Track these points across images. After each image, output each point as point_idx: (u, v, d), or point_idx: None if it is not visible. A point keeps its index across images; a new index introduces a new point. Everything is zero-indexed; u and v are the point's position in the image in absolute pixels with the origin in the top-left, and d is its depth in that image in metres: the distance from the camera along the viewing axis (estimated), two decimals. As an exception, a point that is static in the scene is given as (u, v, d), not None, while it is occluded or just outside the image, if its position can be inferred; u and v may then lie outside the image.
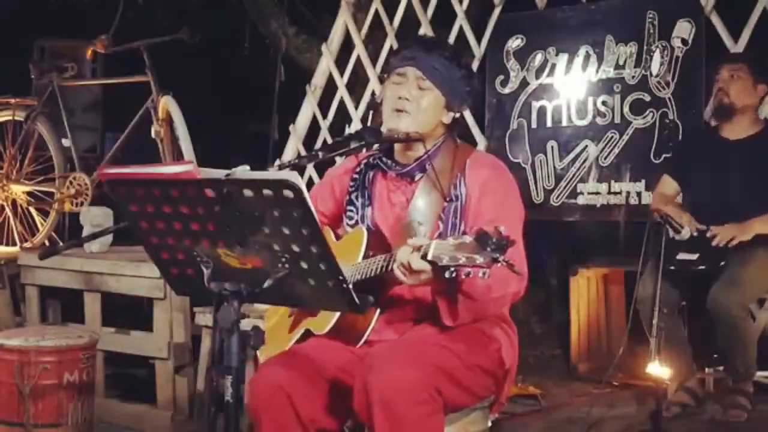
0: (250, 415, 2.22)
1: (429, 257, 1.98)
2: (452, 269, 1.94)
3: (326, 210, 2.58)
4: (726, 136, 3.78)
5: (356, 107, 5.06)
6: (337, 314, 2.25)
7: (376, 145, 2.45)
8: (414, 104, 2.33)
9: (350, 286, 1.85)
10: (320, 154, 2.33)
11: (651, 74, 4.19)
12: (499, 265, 1.88)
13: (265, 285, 1.84)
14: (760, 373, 3.67)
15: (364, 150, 2.50)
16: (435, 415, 2.10)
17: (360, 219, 2.45)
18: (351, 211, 2.48)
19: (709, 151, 3.78)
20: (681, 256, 3.57)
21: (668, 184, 3.88)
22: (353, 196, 2.48)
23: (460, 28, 4.76)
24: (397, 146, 2.40)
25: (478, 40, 4.72)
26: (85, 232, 4.32)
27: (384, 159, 2.43)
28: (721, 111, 3.75)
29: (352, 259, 2.30)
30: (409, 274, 2.06)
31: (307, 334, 2.38)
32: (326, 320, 2.29)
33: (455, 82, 2.36)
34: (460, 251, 1.91)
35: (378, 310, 2.29)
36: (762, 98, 3.78)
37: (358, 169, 2.51)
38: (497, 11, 4.67)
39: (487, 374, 2.29)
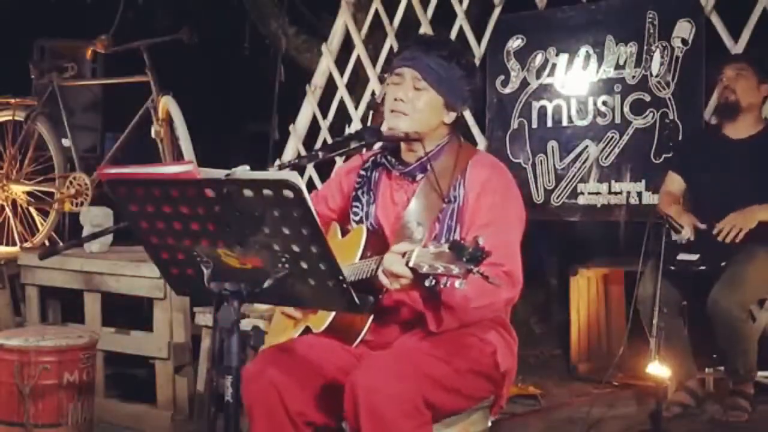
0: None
1: (410, 264, 1.98)
2: (431, 278, 1.94)
3: (335, 206, 2.59)
4: (728, 135, 3.78)
5: (356, 107, 5.06)
6: (334, 312, 2.26)
7: (377, 145, 2.46)
8: (409, 105, 2.33)
9: (350, 287, 1.85)
10: (320, 154, 2.34)
11: (651, 74, 4.19)
12: (474, 275, 1.87)
13: (265, 285, 1.84)
14: (760, 374, 3.66)
15: (364, 150, 2.51)
16: (423, 427, 2.10)
17: (364, 216, 2.46)
18: (356, 207, 2.49)
19: (712, 150, 3.78)
20: (681, 256, 3.57)
21: (674, 182, 3.88)
22: (359, 193, 2.49)
23: (460, 28, 4.76)
24: (402, 145, 2.41)
25: (478, 40, 4.72)
26: (85, 232, 4.32)
27: (389, 158, 2.44)
28: (727, 109, 3.75)
29: (351, 259, 2.31)
30: (391, 279, 2.06)
31: (307, 330, 2.39)
32: (324, 318, 2.29)
33: (454, 81, 2.35)
34: (438, 260, 1.91)
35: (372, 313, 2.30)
36: (765, 97, 3.78)
37: (365, 167, 2.52)
38: (497, 11, 4.66)
39: (480, 377, 2.28)
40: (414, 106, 2.33)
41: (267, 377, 2.20)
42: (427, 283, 1.95)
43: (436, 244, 1.95)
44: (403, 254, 2.02)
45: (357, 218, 2.48)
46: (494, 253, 1.88)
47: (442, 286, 1.95)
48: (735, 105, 3.71)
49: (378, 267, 2.14)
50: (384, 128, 2.36)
